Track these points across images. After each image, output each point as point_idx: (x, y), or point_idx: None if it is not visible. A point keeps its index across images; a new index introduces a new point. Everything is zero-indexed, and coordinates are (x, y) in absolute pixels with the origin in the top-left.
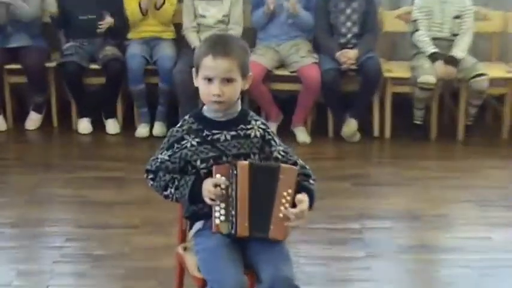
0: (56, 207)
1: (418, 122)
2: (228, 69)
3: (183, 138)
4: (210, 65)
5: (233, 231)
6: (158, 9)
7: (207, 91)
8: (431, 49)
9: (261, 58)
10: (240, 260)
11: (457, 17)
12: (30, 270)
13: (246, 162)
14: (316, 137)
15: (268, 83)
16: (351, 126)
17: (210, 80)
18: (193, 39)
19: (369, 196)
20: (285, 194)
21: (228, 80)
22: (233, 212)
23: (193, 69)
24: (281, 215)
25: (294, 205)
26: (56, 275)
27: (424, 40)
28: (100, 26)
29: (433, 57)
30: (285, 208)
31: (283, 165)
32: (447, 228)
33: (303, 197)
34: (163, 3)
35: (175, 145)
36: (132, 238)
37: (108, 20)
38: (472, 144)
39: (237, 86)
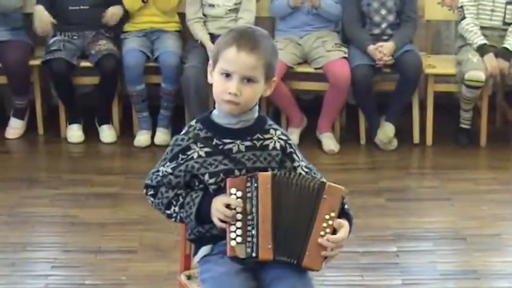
0: (40, 229)
1: (465, 126)
2: (251, 66)
3: (189, 148)
4: (232, 57)
5: (254, 254)
6: None
7: (223, 88)
8: (480, 40)
9: (281, 53)
10: None
11: (510, 3)
12: None
13: (269, 173)
14: (345, 145)
15: (290, 82)
16: (386, 131)
17: (228, 75)
18: (199, 31)
19: (407, 213)
20: (327, 217)
21: (249, 80)
22: (253, 232)
23: (210, 63)
24: (320, 240)
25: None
26: None
27: (471, 30)
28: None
29: (482, 49)
30: (325, 234)
31: (329, 183)
32: (500, 251)
33: (344, 222)
34: None
35: (180, 156)
36: (130, 265)
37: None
38: None
39: (257, 88)
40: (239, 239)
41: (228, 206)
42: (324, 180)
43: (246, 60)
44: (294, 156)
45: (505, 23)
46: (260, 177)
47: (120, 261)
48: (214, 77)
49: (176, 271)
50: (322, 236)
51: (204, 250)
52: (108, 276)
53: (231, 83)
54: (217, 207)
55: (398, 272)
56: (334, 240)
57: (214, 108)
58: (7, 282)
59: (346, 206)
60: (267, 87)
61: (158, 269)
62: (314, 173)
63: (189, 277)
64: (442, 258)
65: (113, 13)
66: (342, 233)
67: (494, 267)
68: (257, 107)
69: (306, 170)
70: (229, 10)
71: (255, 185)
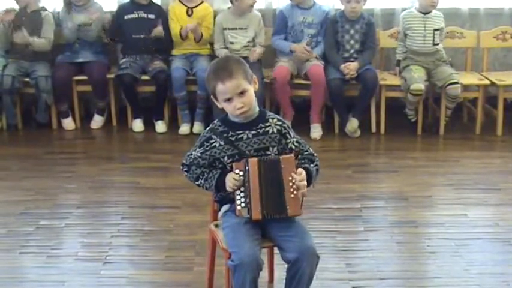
0: (113, 192)
1: (412, 120)
2: (237, 85)
3: (211, 138)
4: (223, 89)
5: (249, 216)
6: (198, 42)
7: (232, 108)
8: (398, 56)
9: (285, 64)
10: (257, 236)
11: (437, 29)
12: (92, 243)
13: (255, 159)
14: (325, 133)
15: (291, 90)
16: (353, 124)
17: (229, 99)
18: (223, 52)
19: (367, 181)
20: (290, 178)
21: (242, 92)
22: (247, 200)
23: (211, 97)
24: (292, 196)
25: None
26: (114, 247)
27: (398, 48)
28: (153, 33)
29: (398, 63)
30: (294, 189)
31: (282, 156)
32: (430, 207)
33: (300, 170)
34: (202, 37)
35: (205, 143)
36: (175, 216)
37: (159, 29)
38: (451, 138)
39: (250, 92)
40: (243, 205)
41: (235, 180)
42: (279, 157)
43: (232, 85)
44: (287, 135)
45: (434, 44)
46: (250, 162)
47: (169, 214)
48: (223, 104)
49: (207, 221)
50: (292, 191)
51: (225, 208)
52: (160, 224)
53: (235, 103)
54: (229, 179)
55: (361, 222)
56: (299, 186)
57: None
58: (90, 228)
59: (312, 165)
60: (254, 85)
61: (195, 219)
62: (302, 146)
63: (216, 225)
64: (391, 212)
65: (159, 31)
66: (302, 176)
67: (427, 218)
68: (256, 104)
69: (296, 144)
70: (243, 46)
71: (247, 167)
